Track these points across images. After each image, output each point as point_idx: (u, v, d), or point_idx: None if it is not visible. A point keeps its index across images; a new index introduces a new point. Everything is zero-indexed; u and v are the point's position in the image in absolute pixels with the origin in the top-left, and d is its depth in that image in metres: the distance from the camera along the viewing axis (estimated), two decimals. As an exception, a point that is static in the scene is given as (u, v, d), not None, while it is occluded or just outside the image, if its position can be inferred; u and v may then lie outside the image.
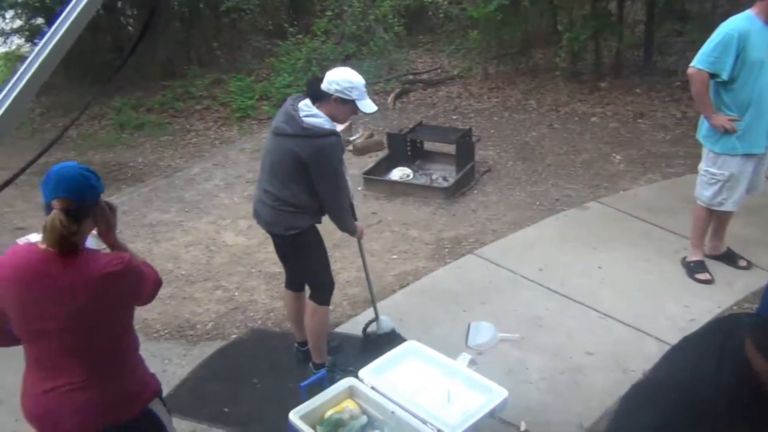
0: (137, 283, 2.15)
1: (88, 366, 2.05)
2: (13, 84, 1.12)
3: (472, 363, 3.33)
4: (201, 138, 8.01)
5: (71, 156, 7.35)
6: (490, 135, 7.13)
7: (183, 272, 4.86)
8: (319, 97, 3.08)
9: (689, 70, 3.86)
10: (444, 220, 5.42)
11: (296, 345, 3.74)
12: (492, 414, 2.70)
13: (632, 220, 5.09)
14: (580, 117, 7.39)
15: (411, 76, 9.21)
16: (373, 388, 2.77)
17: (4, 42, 9.80)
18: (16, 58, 10.04)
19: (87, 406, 2.05)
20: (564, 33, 8.08)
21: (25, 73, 1.13)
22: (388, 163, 6.31)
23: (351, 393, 2.82)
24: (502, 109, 7.90)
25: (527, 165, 6.33)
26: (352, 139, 7.14)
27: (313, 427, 2.61)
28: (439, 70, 9.48)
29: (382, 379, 2.81)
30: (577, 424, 3.18)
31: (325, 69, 8.73)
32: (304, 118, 3.03)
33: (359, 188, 6.05)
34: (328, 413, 2.70)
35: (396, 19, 9.33)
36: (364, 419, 2.68)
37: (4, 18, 9.55)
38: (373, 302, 3.77)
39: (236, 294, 4.52)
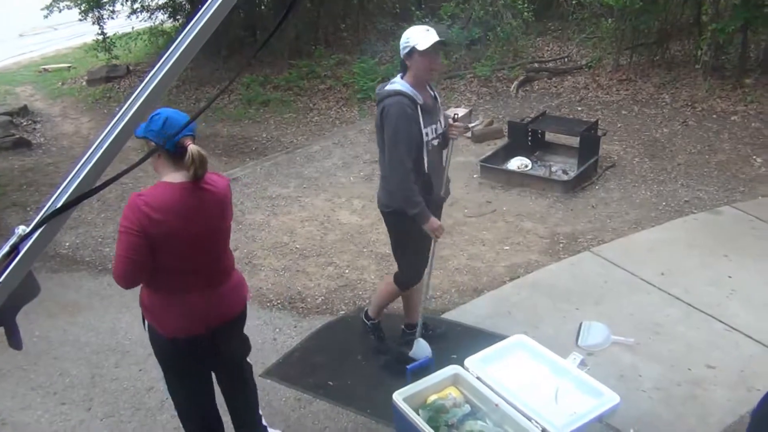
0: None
1: (227, 259, 2.56)
2: (168, 56, 1.17)
3: (582, 364, 3.22)
4: (322, 117, 8.20)
5: (201, 127, 7.77)
6: (617, 129, 6.81)
7: (297, 246, 5.02)
8: (403, 68, 3.13)
9: None
10: (561, 214, 5.24)
11: (402, 327, 3.76)
12: (600, 419, 2.60)
13: (771, 229, 4.70)
14: (718, 115, 6.88)
15: (536, 64, 8.94)
16: (478, 378, 2.73)
17: (149, 17, 10.46)
18: (159, 33, 10.70)
19: (237, 286, 2.61)
20: (709, 23, 7.52)
21: (179, 46, 1.18)
22: (507, 152, 6.18)
23: (455, 381, 2.80)
24: (631, 102, 7.50)
25: (655, 163, 5.99)
26: (471, 125, 7.05)
27: (416, 410, 2.61)
28: (566, 59, 9.13)
29: (488, 370, 2.77)
30: (692, 441, 3.00)
31: (448, 53, 8.78)
32: (381, 89, 3.15)
33: (475, 176, 5.98)
34: (431, 398, 2.70)
35: (525, 5, 9.06)
36: (466, 408, 2.65)
37: (150, -5, 10.20)
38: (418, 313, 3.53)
39: (347, 271, 4.62)
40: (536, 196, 5.53)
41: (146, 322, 2.52)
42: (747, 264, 4.30)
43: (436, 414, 2.60)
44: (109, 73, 10.02)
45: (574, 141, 6.00)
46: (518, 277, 4.39)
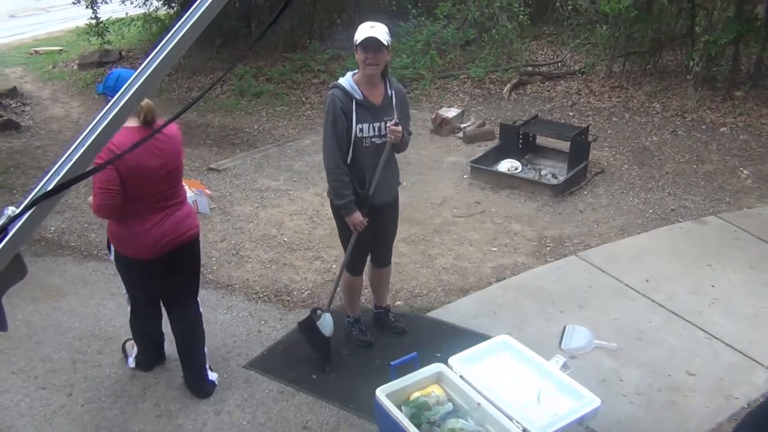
0: None
1: (180, 191, 3.14)
2: (164, 44, 1.17)
3: (564, 367, 3.24)
4: (315, 111, 8.18)
5: (192, 117, 7.73)
6: (607, 135, 6.86)
7: (285, 239, 5.01)
8: None
9: None
10: (549, 217, 5.28)
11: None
12: (581, 421, 2.62)
13: (755, 240, 4.75)
14: (707, 126, 6.95)
15: (530, 68, 8.98)
16: (461, 377, 2.75)
17: (144, 3, 10.39)
18: (153, 20, 10.62)
19: (189, 214, 3.19)
20: (702, 35, 7.58)
21: (176, 34, 1.17)
22: (497, 154, 6.21)
23: (438, 379, 2.81)
24: (623, 109, 7.55)
25: (644, 170, 6.04)
26: (463, 126, 7.08)
27: (399, 407, 2.62)
28: (560, 64, 9.18)
29: (472, 369, 2.79)
30: (670, 446, 3.03)
31: (443, 53, 8.80)
32: None
33: (465, 176, 6.00)
34: (414, 395, 2.71)
35: (521, 8, 9.11)
36: (449, 406, 2.67)
37: (145, -19, 10.13)
38: (332, 294, 3.65)
39: (334, 266, 4.61)
40: (525, 199, 5.56)
41: (112, 248, 3.10)
42: (730, 274, 4.35)
43: (418, 411, 2.62)
44: (101, 58, 9.94)
45: (565, 145, 6.04)
46: (505, 278, 4.42)
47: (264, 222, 5.28)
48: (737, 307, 4.02)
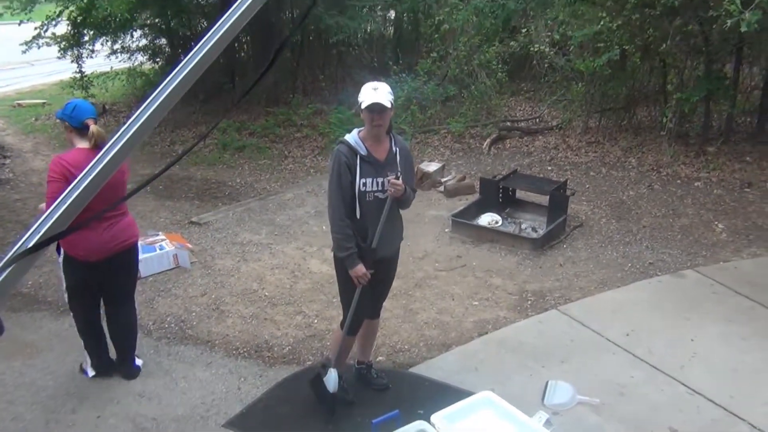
0: None
1: (123, 205, 3.65)
2: (154, 98, 1.20)
3: (548, 423, 3.22)
4: (297, 165, 8.26)
5: (175, 170, 7.75)
6: (585, 190, 6.98)
7: (267, 293, 4.98)
8: None
9: None
10: (529, 271, 5.31)
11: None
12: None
13: (732, 294, 4.81)
14: (682, 180, 7.11)
15: (509, 123, 9.18)
16: (443, 435, 2.72)
17: (129, 58, 10.53)
18: (138, 74, 10.75)
19: (131, 224, 3.73)
20: (674, 93, 7.84)
21: (165, 88, 1.20)
22: (478, 208, 6.28)
23: (420, 437, 2.77)
24: (600, 164, 7.72)
25: (622, 224, 6.14)
26: (443, 180, 7.17)
27: (380, 467, 2.58)
28: (537, 120, 9.41)
29: (455, 426, 2.76)
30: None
31: (424, 108, 8.97)
32: None
33: (446, 230, 6.05)
34: (396, 454, 2.67)
35: (499, 66, 9.36)
36: (431, 466, 2.63)
37: (132, 36, 10.28)
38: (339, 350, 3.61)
39: (315, 321, 4.58)
40: (506, 253, 5.60)
41: (61, 250, 3.56)
42: (708, 327, 4.39)
43: (400, 471, 2.57)
44: (84, 112, 9.98)
45: (544, 199, 6.13)
46: (486, 332, 4.41)
47: (245, 276, 5.25)
48: (717, 361, 4.04)
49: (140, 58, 10.68)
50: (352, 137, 3.33)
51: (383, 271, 3.53)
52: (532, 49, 9.43)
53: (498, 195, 6.36)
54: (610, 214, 6.39)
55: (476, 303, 4.82)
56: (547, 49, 9.43)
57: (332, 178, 3.29)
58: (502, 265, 5.41)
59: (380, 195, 3.31)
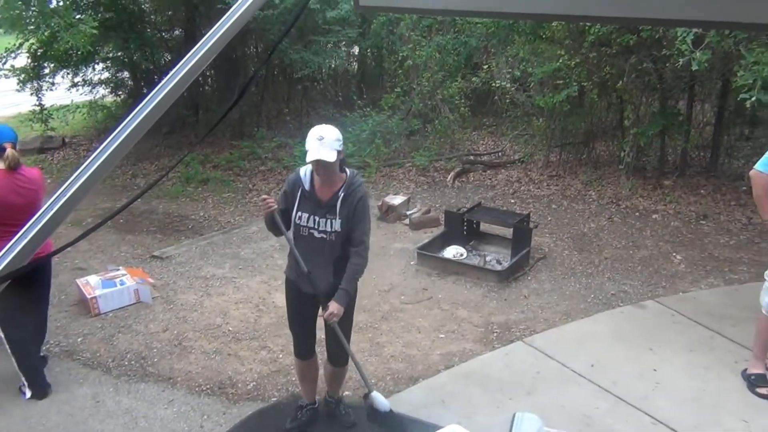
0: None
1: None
2: (118, 132, 1.19)
3: (515, 456, 3.20)
4: (262, 198, 8.20)
5: (136, 203, 7.62)
6: (548, 222, 7.09)
7: (230, 328, 4.89)
8: None
9: (751, 172, 3.89)
10: (495, 303, 5.34)
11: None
12: None
13: (692, 324, 4.90)
14: (640, 213, 7.29)
15: (472, 157, 9.32)
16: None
17: (90, 91, 10.42)
18: (99, 107, 10.63)
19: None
20: (630, 128, 8.08)
21: (131, 122, 1.20)
22: (443, 241, 6.31)
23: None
24: (561, 197, 7.86)
25: (583, 256, 6.24)
26: (408, 213, 7.20)
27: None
28: (500, 153, 9.57)
29: (423, 462, 2.72)
30: None
31: (388, 142, 9.05)
32: None
33: (412, 263, 6.06)
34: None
35: (462, 101, 9.54)
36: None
37: (94, 69, 10.19)
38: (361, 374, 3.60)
39: (280, 356, 4.52)
40: (471, 285, 5.63)
41: None
42: (670, 357, 4.45)
43: None
44: (43, 144, 9.83)
45: (508, 232, 6.21)
46: (453, 365, 4.40)
47: (208, 311, 5.16)
48: (679, 391, 4.10)
49: (102, 91, 10.58)
50: (304, 170, 3.30)
51: (311, 311, 3.51)
52: (493, 84, 9.65)
53: (463, 228, 6.42)
54: (572, 246, 6.49)
55: (442, 336, 4.82)
56: (508, 85, 9.65)
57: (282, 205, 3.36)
58: (468, 297, 5.43)
59: (315, 233, 3.26)
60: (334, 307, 3.22)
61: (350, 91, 11.35)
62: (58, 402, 3.98)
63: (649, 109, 8.22)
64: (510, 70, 9.89)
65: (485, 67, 9.87)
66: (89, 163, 1.21)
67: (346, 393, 4.08)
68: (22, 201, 3.66)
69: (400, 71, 9.72)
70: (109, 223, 6.79)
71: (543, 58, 8.75)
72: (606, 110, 9.08)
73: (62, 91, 10.13)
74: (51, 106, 9.91)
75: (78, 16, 7.96)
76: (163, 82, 1.28)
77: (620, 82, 7.70)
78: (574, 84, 7.98)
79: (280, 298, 5.31)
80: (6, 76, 9.21)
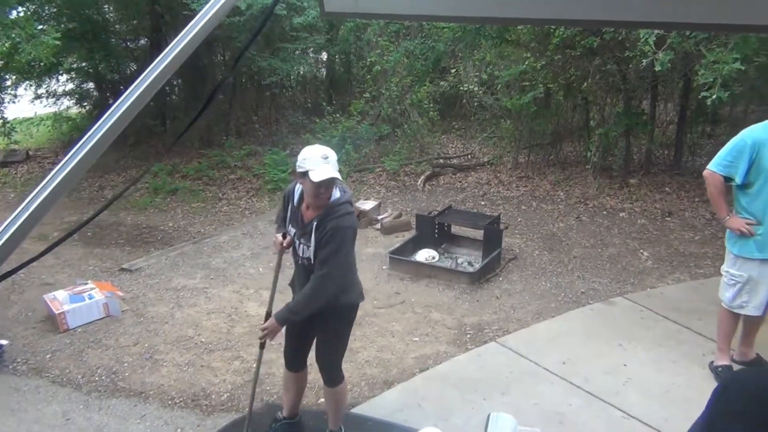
0: None
1: None
2: (83, 143, 1.18)
3: (490, 456, 3.22)
4: (232, 207, 8.16)
5: (104, 215, 7.52)
6: (518, 223, 7.16)
7: (203, 339, 4.85)
8: None
9: (705, 172, 3.99)
10: (467, 305, 5.38)
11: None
12: None
13: (660, 319, 5.00)
14: (608, 211, 7.41)
15: (442, 160, 9.37)
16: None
17: (55, 103, 10.26)
18: (64, 119, 10.47)
19: None
20: (596, 128, 8.22)
21: (96, 133, 1.19)
22: (415, 245, 6.34)
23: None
24: (530, 198, 7.96)
25: (553, 255, 6.32)
26: (380, 218, 7.22)
27: None
28: (469, 156, 9.65)
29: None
30: None
31: (358, 147, 9.07)
32: None
33: (384, 267, 6.07)
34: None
35: (431, 105, 9.60)
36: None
37: (57, 81, 10.04)
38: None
39: (254, 366, 4.48)
40: (444, 288, 5.66)
41: None
42: (639, 353, 4.53)
43: None
44: (6, 158, 9.64)
45: (479, 234, 6.26)
46: (428, 368, 4.42)
47: (180, 323, 5.10)
48: (649, 385, 4.17)
49: (67, 102, 10.42)
50: (298, 186, 3.17)
51: (304, 324, 3.32)
52: (461, 88, 9.74)
53: (434, 231, 6.45)
54: (542, 246, 6.57)
55: (416, 339, 4.84)
56: (476, 89, 9.75)
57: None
58: (441, 300, 5.46)
59: (298, 250, 3.20)
60: (268, 323, 3.18)
61: (319, 98, 11.36)
62: (27, 421, 3.90)
63: (614, 109, 8.37)
64: (477, 73, 10.01)
65: (453, 71, 9.97)
66: (53, 175, 1.20)
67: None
68: None
69: (368, 77, 9.76)
70: (76, 237, 6.69)
71: (509, 61, 8.87)
72: (572, 111, 9.23)
73: (25, 104, 9.95)
74: (14, 119, 9.73)
75: (40, 27, 7.82)
76: (128, 91, 1.28)
77: (585, 83, 7.84)
78: (540, 86, 8.12)
79: (253, 308, 5.29)
80: (-34, 89, 9.03)
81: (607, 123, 8.21)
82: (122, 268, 6.16)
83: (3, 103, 9.35)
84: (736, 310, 4.08)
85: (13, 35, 7.23)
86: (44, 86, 9.90)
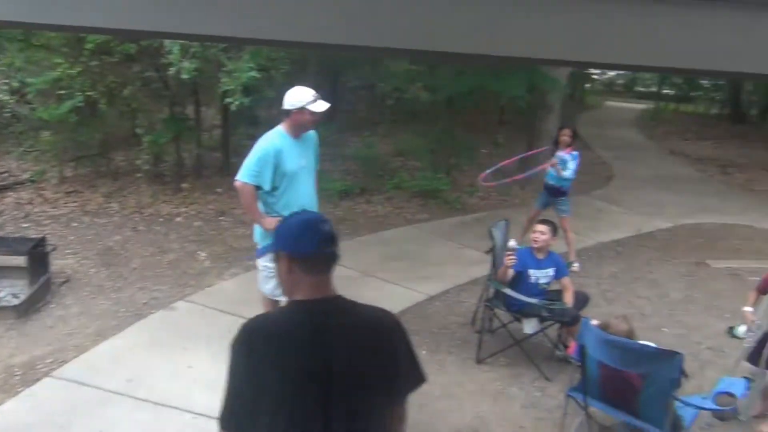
0: None
1: None
2: None
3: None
4: None
5: None
6: (70, 242, 6.68)
7: None
8: None
9: (236, 183, 4.16)
10: (15, 342, 4.80)
11: None
12: None
13: (218, 314, 5.27)
14: (164, 218, 7.47)
15: (-31, 182, 8.11)
16: None
17: None
18: None
19: None
20: (144, 136, 8.16)
21: None
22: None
23: None
24: (81, 213, 7.49)
25: (112, 271, 6.09)
26: None
27: None
28: (6, 174, 8.56)
29: None
30: None
31: None
32: None
33: None
34: None
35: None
36: None
37: None
38: None
39: None
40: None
41: None
42: (202, 351, 4.70)
43: None
44: None
45: (22, 261, 5.61)
46: (-34, 429, 3.81)
47: None
48: (214, 380, 4.27)
49: None
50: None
51: None
52: (-11, 98, 8.52)
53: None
54: (99, 262, 6.26)
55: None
56: (6, 98, 8.65)
57: None
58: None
59: None
60: None
61: None
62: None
63: (160, 116, 8.44)
64: (7, 81, 8.88)
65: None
66: None
67: None
68: None
69: None
70: None
71: (41, 67, 8.11)
72: (119, 119, 8.98)
73: None
74: None
75: None
76: None
77: (126, 90, 7.69)
78: (78, 94, 7.65)
79: None
80: None
81: (156, 130, 8.23)
82: None
83: None
84: (277, 298, 4.54)
85: None
86: None
